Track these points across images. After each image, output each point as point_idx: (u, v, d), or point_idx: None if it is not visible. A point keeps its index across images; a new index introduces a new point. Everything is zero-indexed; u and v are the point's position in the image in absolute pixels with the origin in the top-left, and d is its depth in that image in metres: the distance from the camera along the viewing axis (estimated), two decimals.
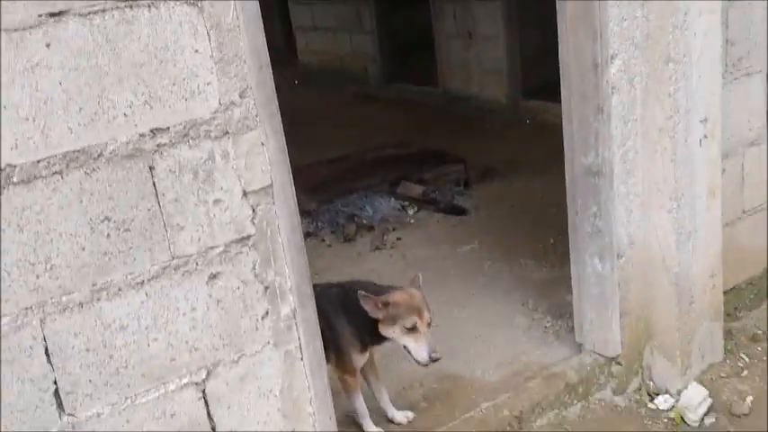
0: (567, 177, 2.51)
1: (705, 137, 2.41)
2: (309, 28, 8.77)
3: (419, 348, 2.23)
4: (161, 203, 1.60)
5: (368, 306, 2.24)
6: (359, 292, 2.24)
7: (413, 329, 2.23)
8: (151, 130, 1.56)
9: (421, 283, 2.37)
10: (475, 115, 6.41)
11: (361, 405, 2.45)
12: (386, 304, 2.25)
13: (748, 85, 2.74)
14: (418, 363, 2.25)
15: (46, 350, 1.53)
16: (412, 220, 4.39)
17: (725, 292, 2.69)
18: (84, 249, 1.53)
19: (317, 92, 8.15)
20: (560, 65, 2.40)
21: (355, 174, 4.76)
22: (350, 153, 5.22)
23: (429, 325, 2.27)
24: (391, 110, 7.14)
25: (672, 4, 2.25)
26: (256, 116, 1.68)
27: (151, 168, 1.58)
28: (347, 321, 2.33)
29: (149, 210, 1.59)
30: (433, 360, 2.23)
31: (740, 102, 2.74)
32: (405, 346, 2.26)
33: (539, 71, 5.99)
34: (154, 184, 1.58)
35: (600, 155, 2.37)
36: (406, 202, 4.52)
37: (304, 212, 3.73)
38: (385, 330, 2.27)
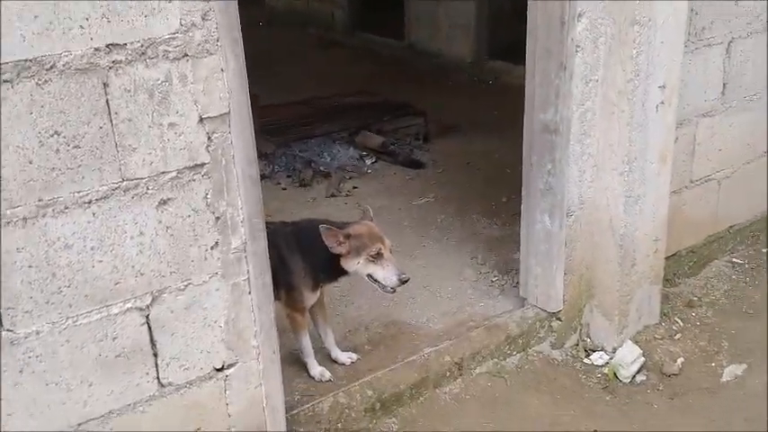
0: (524, 133, 2.53)
1: (662, 103, 2.44)
2: None
3: (387, 273, 2.26)
4: (113, 122, 1.57)
5: (330, 240, 2.25)
6: (321, 225, 2.24)
7: (378, 256, 2.25)
8: (107, 45, 1.51)
9: (372, 215, 2.40)
10: (439, 71, 6.38)
11: (307, 344, 2.48)
12: (347, 236, 2.26)
13: (708, 55, 2.79)
14: (387, 289, 2.28)
15: None
16: (369, 170, 4.38)
17: (666, 258, 2.76)
18: (31, 163, 1.49)
19: (282, 34, 8.00)
20: (528, 20, 2.40)
21: (315, 119, 4.71)
22: (311, 97, 5.16)
23: (391, 251, 2.30)
24: (355, 58, 7.06)
25: None
26: (217, 41, 1.65)
27: (105, 85, 1.53)
28: (301, 258, 2.34)
29: (101, 128, 1.55)
30: (403, 282, 2.27)
31: (699, 72, 2.78)
32: (370, 275, 2.29)
33: (506, 32, 5.98)
34: (107, 102, 1.54)
35: (559, 112, 2.40)
36: (365, 152, 4.50)
37: (261, 155, 3.69)
38: (349, 263, 2.28)
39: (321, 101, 5.08)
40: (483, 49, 6.31)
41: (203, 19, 1.62)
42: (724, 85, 2.90)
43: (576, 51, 2.33)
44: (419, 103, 5.03)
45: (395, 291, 2.32)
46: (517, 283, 2.85)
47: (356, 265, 2.28)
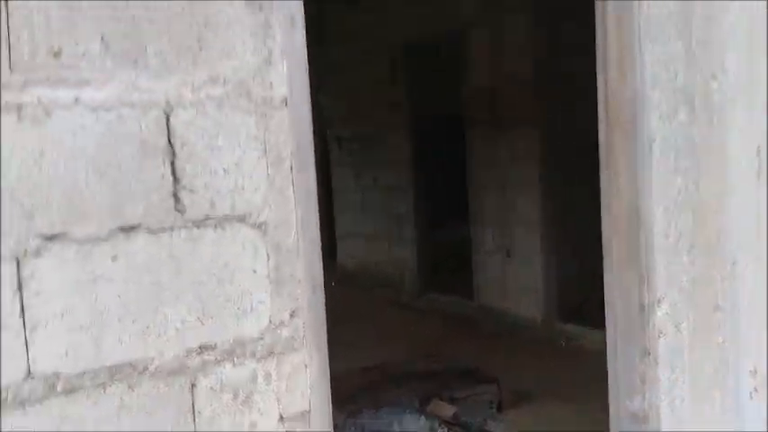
0: (611, 422, 2.41)
1: (755, 390, 2.32)
2: (351, 234, 9.03)
3: None
4: (196, 422, 1.56)
5: None
6: None
7: None
8: (199, 347, 1.56)
9: None
10: (509, 332, 6.35)
11: None
12: None
13: None
14: None
15: None
16: None
17: None
18: None
19: (353, 294, 8.22)
20: (606, 305, 2.39)
21: (385, 386, 4.65)
22: (382, 363, 5.14)
23: None
24: (425, 319, 7.13)
25: (718, 253, 2.28)
26: (303, 337, 1.68)
27: (193, 386, 1.55)
28: None
29: (184, 429, 1.54)
30: None
31: None
32: None
33: (575, 294, 6.02)
34: (192, 403, 1.55)
35: (647, 400, 2.29)
36: (437, 422, 4.35)
37: None
38: None
39: (391, 366, 5.05)
40: (553, 310, 6.31)
41: (291, 317, 1.67)
42: None
43: (659, 336, 2.29)
44: (490, 365, 4.95)
45: None
46: None
47: None
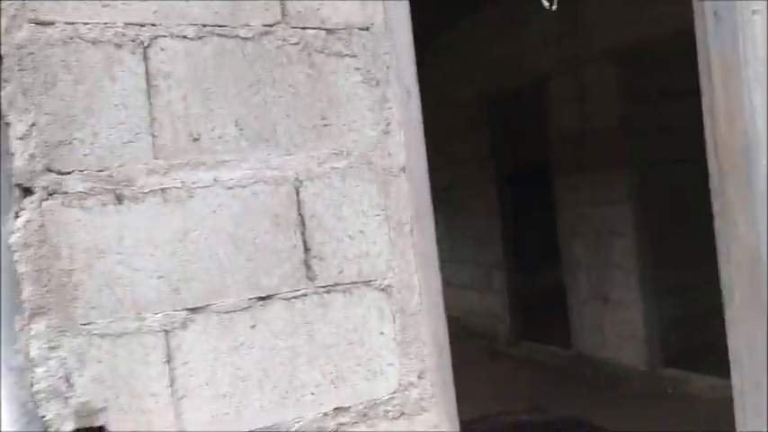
0: None
1: None
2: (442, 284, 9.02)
3: None
4: None
5: None
6: None
7: None
8: (334, 409, 1.61)
9: None
10: (609, 380, 6.16)
11: None
12: None
13: None
14: None
15: None
16: None
17: None
18: None
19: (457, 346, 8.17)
20: (730, 353, 2.32)
21: None
22: (484, 416, 5.08)
23: None
24: (520, 368, 7.01)
25: None
26: (432, 397, 1.71)
27: None
28: None
29: None
30: None
31: None
32: None
33: (678, 339, 5.82)
34: None
35: None
36: None
37: None
38: None
39: (494, 420, 4.98)
40: (656, 357, 6.10)
41: (419, 378, 1.70)
42: None
43: None
44: (590, 416, 4.81)
45: None
46: None
47: None
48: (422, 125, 1.74)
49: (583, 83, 6.29)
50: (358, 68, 1.68)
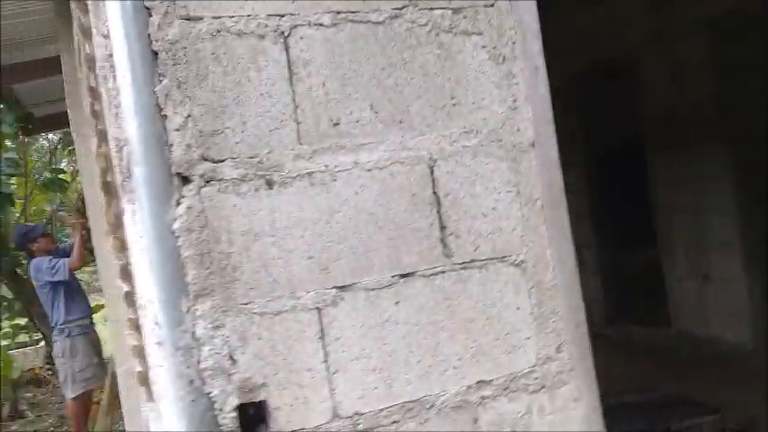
0: None
1: None
2: None
3: None
4: None
5: None
6: None
7: None
8: (477, 383, 1.64)
9: None
10: (711, 360, 6.00)
11: None
12: None
13: None
14: None
15: None
16: None
17: None
18: None
19: None
20: None
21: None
22: None
23: None
24: (617, 348, 6.87)
25: None
26: (571, 371, 1.72)
27: (474, 420, 1.63)
28: None
29: None
30: None
31: None
32: None
33: None
34: None
35: None
36: None
37: None
38: None
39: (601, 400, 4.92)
40: (762, 334, 5.90)
41: (557, 351, 1.72)
42: None
43: None
44: (695, 395, 4.68)
45: None
46: None
47: None
48: (549, 99, 1.74)
49: (676, 56, 6.11)
50: (484, 46, 1.70)
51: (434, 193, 1.64)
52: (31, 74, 5.90)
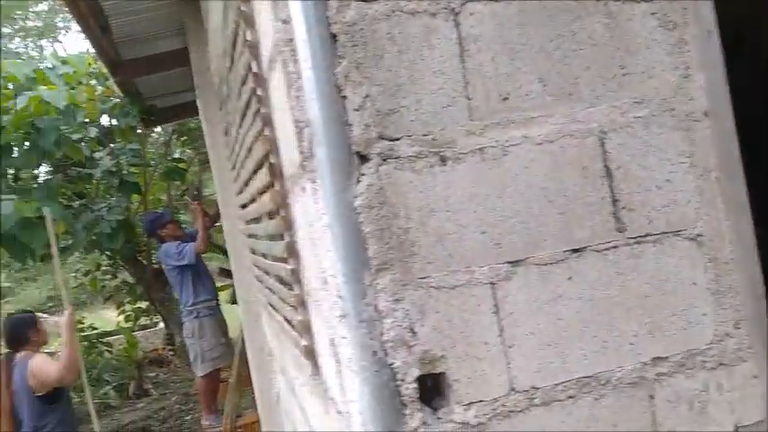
0: None
1: None
2: None
3: None
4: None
5: None
6: None
7: None
8: (652, 359, 1.61)
9: None
10: None
11: None
12: None
13: None
14: None
15: None
16: None
17: None
18: None
19: None
20: None
21: None
22: None
23: None
24: None
25: None
26: (749, 348, 1.66)
27: (650, 396, 1.60)
28: None
29: None
30: None
31: None
32: None
33: None
34: (653, 413, 1.60)
35: None
36: None
37: None
38: None
39: None
40: None
41: (735, 327, 1.66)
42: None
43: None
44: None
45: None
46: None
47: None
48: (723, 66, 1.67)
49: None
50: (654, 13, 1.64)
51: (605, 165, 1.61)
52: (152, 68, 6.19)
